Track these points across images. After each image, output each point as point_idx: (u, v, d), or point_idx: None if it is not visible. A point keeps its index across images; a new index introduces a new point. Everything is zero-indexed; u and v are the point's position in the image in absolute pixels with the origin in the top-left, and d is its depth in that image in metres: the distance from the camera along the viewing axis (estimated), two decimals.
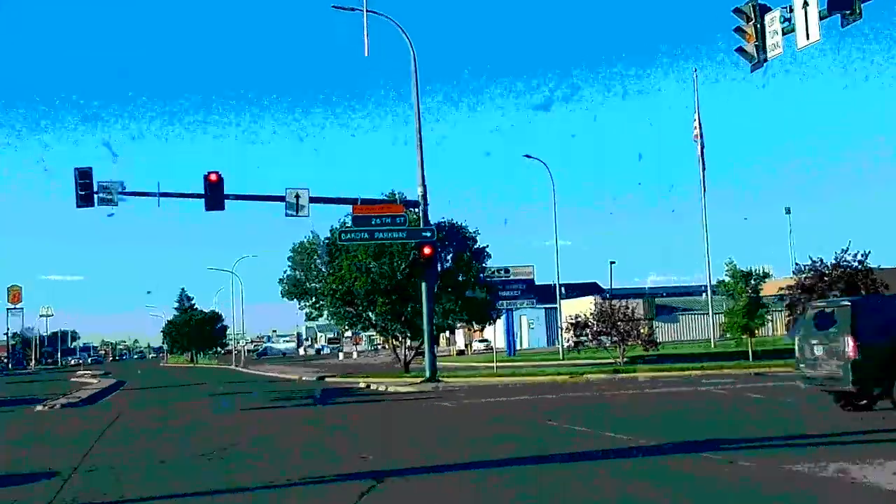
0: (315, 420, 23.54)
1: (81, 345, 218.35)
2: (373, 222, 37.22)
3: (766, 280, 42.67)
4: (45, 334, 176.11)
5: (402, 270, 47.59)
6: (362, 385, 40.70)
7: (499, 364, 45.29)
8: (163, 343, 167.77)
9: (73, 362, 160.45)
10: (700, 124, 66.82)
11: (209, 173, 35.38)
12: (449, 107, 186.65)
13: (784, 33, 22.28)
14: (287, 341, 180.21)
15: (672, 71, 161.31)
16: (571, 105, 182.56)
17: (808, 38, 21.42)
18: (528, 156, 67.64)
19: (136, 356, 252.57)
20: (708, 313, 69.23)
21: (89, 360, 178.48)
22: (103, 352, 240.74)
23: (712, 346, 63.24)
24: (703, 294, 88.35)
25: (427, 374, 37.71)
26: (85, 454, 17.26)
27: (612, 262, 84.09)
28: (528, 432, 17.88)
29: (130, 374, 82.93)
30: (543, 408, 23.23)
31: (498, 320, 53.46)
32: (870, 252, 37.18)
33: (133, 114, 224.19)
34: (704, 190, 67.49)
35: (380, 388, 37.37)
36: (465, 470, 13.03)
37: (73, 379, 68.81)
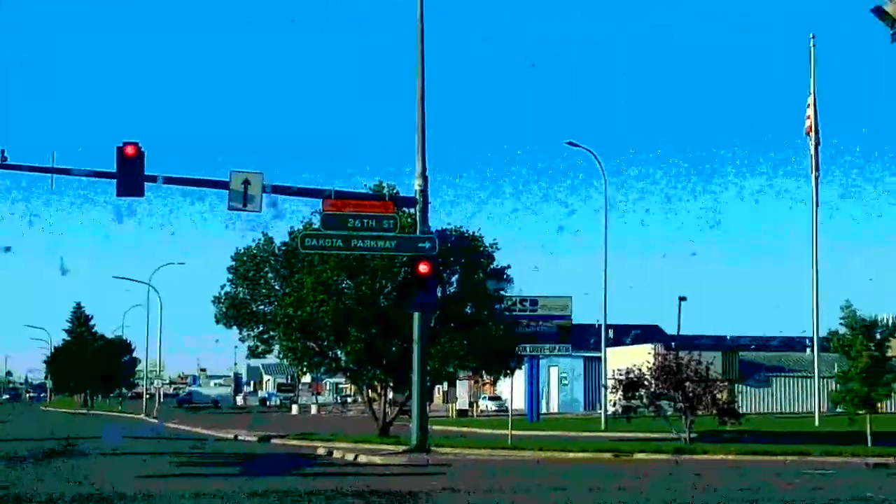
0: (242, 497, 23.47)
1: None
2: (350, 224, 37.12)
3: None
4: None
5: (388, 294, 47.53)
6: (322, 451, 40.62)
7: (515, 433, 45.18)
8: (46, 378, 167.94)
9: None
10: (816, 113, 66.90)
11: (125, 145, 35.39)
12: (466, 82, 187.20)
13: None
14: (221, 385, 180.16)
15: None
16: None
17: None
18: (571, 143, 67.71)
19: (6, 395, 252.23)
20: (812, 376, 69.18)
21: None
22: None
23: (816, 422, 63.16)
24: (807, 350, 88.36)
25: (413, 440, 37.64)
26: None
27: (681, 299, 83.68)
28: None
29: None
30: (576, 501, 23.19)
31: (517, 371, 53.35)
32: None
33: (19, 55, 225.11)
34: (817, 204, 67.56)
35: (346, 458, 37.28)
36: None
37: None
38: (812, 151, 66.77)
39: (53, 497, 23.21)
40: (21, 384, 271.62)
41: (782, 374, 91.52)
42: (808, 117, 66.83)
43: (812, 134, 66.69)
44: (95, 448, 42.36)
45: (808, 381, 74.36)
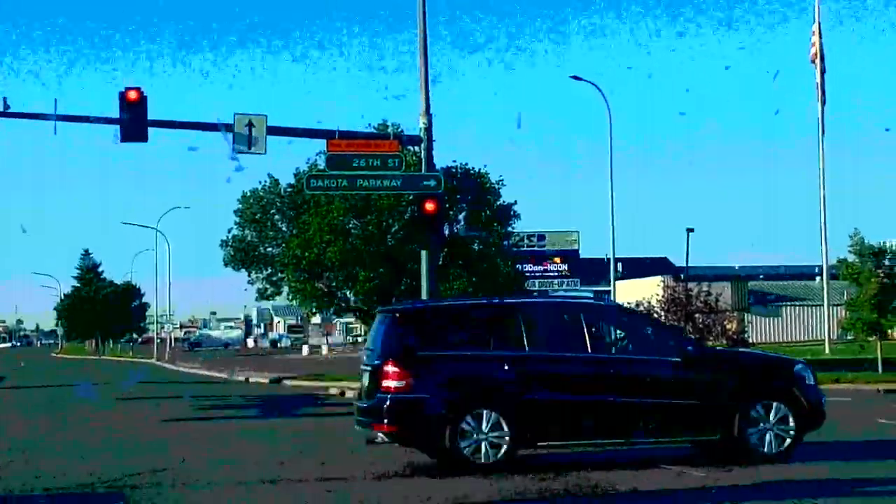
0: (264, 440, 23.57)
1: None
2: (354, 164, 37.05)
3: None
4: None
5: (395, 233, 47.58)
6: (334, 391, 40.80)
7: None
8: (57, 325, 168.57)
9: None
10: (820, 40, 66.50)
11: (128, 90, 35.29)
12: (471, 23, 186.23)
13: None
14: (231, 328, 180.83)
15: None
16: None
17: None
18: (576, 77, 67.37)
19: (18, 342, 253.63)
20: (822, 304, 69.20)
21: None
22: None
23: (826, 349, 63.25)
24: (817, 278, 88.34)
25: None
26: None
27: (689, 230, 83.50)
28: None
29: (9, 366, 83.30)
30: None
31: None
32: None
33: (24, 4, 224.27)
34: (823, 132, 67.30)
35: None
36: None
37: None
38: (818, 79, 66.42)
39: (78, 441, 23.45)
40: (32, 332, 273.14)
41: (792, 303, 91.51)
42: (814, 44, 66.44)
43: (818, 61, 66.31)
44: (111, 394, 42.61)
45: (818, 309, 74.28)
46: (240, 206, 53.05)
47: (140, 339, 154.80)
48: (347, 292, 51.14)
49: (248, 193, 52.92)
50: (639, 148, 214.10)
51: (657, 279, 65.83)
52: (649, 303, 44.27)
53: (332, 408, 33.93)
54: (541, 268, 44.36)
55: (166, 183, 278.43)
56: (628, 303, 46.02)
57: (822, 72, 66.40)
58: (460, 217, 49.12)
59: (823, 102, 66.71)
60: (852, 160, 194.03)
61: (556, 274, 44.49)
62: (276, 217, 53.18)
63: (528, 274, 44.60)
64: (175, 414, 31.02)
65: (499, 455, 16.57)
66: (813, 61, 66.68)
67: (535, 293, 48.19)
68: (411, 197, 41.28)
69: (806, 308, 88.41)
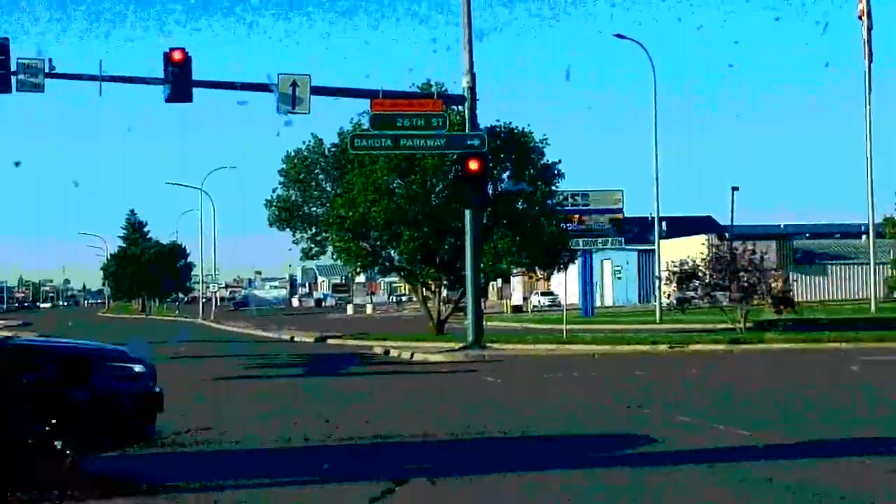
0: (311, 396, 23.73)
1: None
2: (398, 124, 37.13)
3: None
4: None
5: (439, 193, 47.55)
6: (378, 350, 41.00)
7: (570, 327, 45.32)
8: (103, 284, 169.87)
9: None
10: None
11: (172, 50, 35.44)
12: None
13: None
14: (276, 287, 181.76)
15: None
16: None
17: None
18: (620, 35, 67.10)
19: (66, 302, 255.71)
20: (868, 263, 68.81)
21: (3, 305, 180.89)
22: (21, 294, 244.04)
23: (873, 309, 62.98)
24: (863, 236, 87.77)
25: (469, 337, 37.86)
26: None
27: (734, 188, 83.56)
28: (606, 422, 17.96)
29: (58, 326, 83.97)
30: (632, 389, 23.33)
31: (570, 266, 53.42)
32: None
33: None
34: (870, 89, 66.72)
35: (403, 356, 37.63)
36: (511, 472, 13.17)
37: None
38: (865, 36, 65.82)
39: None
40: (79, 291, 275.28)
41: (838, 261, 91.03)
42: (861, 0, 65.82)
43: (864, 18, 65.72)
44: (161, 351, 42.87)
45: (864, 267, 73.87)
46: (284, 166, 53.11)
47: (186, 299, 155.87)
48: (391, 252, 51.19)
49: (293, 153, 52.95)
50: (684, 104, 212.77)
51: (702, 238, 65.60)
52: (694, 261, 44.16)
53: (376, 366, 34.12)
54: (585, 227, 44.17)
55: (211, 143, 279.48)
56: (672, 261, 45.94)
57: (869, 28, 65.85)
58: (504, 176, 49.01)
59: (870, 59, 66.16)
60: None
61: (600, 233, 44.30)
62: (321, 177, 53.20)
63: (571, 233, 44.42)
64: (224, 372, 31.23)
65: None
66: (860, 17, 66.12)
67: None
68: (455, 156, 41.28)
69: (852, 266, 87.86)
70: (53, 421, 12.21)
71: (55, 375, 12.69)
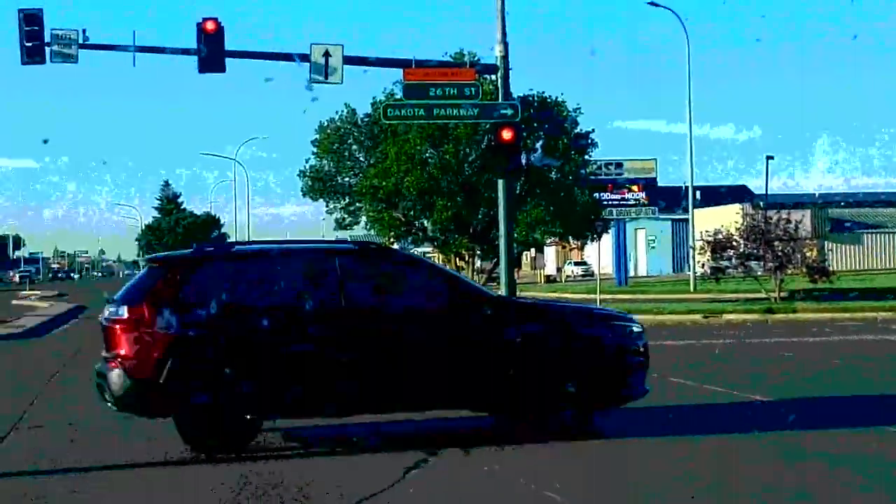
0: None
1: (27, 254, 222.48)
2: (431, 93, 37.02)
3: None
4: None
5: (472, 163, 47.49)
6: None
7: (604, 297, 45.26)
8: (138, 255, 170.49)
9: (15, 278, 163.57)
10: None
11: (205, 20, 35.43)
12: None
13: None
14: None
15: None
16: None
17: None
18: (653, 3, 66.73)
19: (101, 273, 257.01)
20: None
21: (39, 276, 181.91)
22: (56, 265, 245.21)
23: None
24: None
25: None
26: (29, 405, 17.68)
27: (769, 158, 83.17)
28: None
29: (94, 296, 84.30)
30: (665, 358, 23.26)
31: (604, 235, 53.35)
32: None
33: None
34: None
35: None
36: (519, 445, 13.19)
37: (15, 301, 70.25)
38: None
39: None
40: (115, 262, 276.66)
41: (873, 230, 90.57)
42: None
43: None
44: None
45: None
46: (317, 136, 53.18)
47: None
48: (425, 221, 51.18)
49: (326, 123, 53.00)
50: (716, 73, 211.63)
51: (736, 207, 65.42)
52: (728, 231, 44.03)
53: None
54: (618, 196, 44.08)
55: (245, 113, 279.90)
56: (706, 231, 45.80)
57: None
58: (537, 146, 48.87)
59: None
60: None
61: (633, 202, 44.21)
62: (354, 147, 53.26)
63: (605, 202, 44.34)
64: None
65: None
66: None
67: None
68: (488, 126, 41.18)
69: (887, 235, 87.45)
70: (566, 373, 13.50)
71: (563, 332, 13.94)
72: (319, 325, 13.42)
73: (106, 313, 13.59)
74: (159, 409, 13.22)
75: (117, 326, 13.24)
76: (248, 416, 13.24)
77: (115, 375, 13.05)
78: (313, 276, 13.90)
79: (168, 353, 12.88)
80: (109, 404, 13.45)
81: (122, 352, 13.10)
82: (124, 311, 13.23)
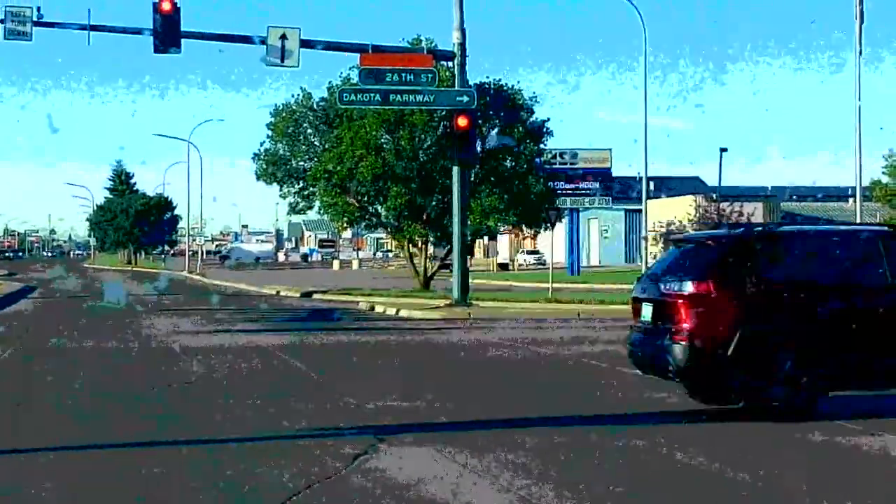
0: (293, 353, 23.75)
1: None
2: (388, 79, 36.94)
3: None
4: None
5: (427, 149, 47.50)
6: (363, 306, 41.00)
7: (556, 286, 45.32)
8: (89, 235, 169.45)
9: None
10: None
11: (161, 0, 35.22)
12: None
13: None
14: (262, 241, 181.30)
15: None
16: None
17: None
18: None
19: (51, 253, 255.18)
20: None
21: None
22: (6, 244, 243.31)
23: None
24: (850, 200, 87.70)
25: (455, 295, 37.88)
26: None
27: (722, 150, 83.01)
28: (586, 383, 18.01)
29: (43, 276, 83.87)
30: (617, 347, 23.33)
31: (557, 224, 53.41)
32: None
33: None
34: (860, 51, 66.48)
35: (388, 312, 37.61)
36: (494, 429, 13.37)
37: None
38: None
39: (120, 348, 23.64)
40: (65, 242, 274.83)
41: (824, 224, 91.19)
42: None
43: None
44: (144, 305, 43.01)
45: None
46: (272, 119, 53.00)
47: (172, 252, 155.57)
48: (379, 207, 51.17)
49: (281, 107, 52.85)
50: (673, 64, 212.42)
51: (689, 198, 65.65)
52: (680, 222, 44.21)
53: (361, 322, 34.09)
54: (573, 185, 44.13)
55: (199, 96, 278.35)
56: (659, 222, 46.02)
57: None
58: (493, 133, 48.92)
59: (861, 20, 65.92)
60: (888, 81, 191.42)
61: (588, 192, 44.27)
62: (309, 131, 53.13)
63: (559, 192, 44.39)
64: (201, 327, 31.22)
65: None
66: None
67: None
68: (444, 112, 41.20)
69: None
70: None
71: None
72: (872, 300, 14.30)
73: (662, 288, 14.39)
74: (725, 380, 13.85)
75: (680, 301, 13.92)
76: (817, 389, 13.87)
77: (680, 349, 13.70)
78: (862, 254, 14.71)
79: (735, 327, 13.53)
80: (671, 375, 14.21)
81: (687, 325, 13.74)
82: (689, 287, 13.90)
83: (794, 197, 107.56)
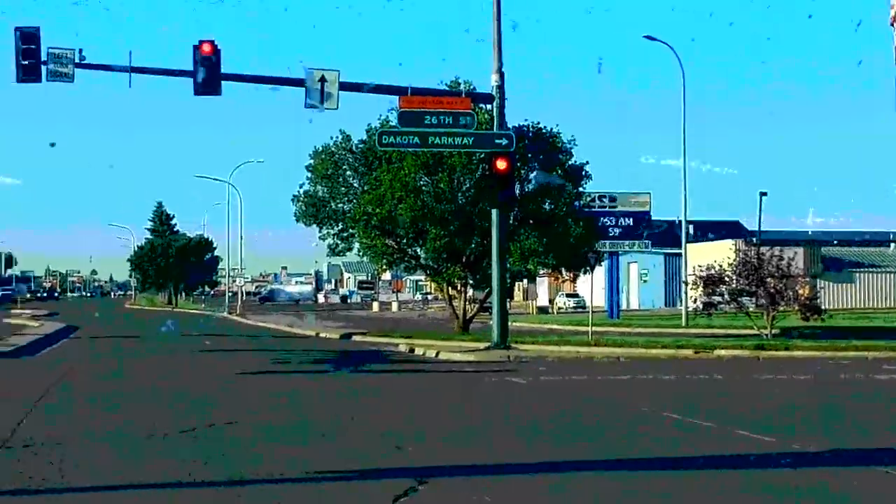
0: (334, 394, 23.77)
1: (18, 273, 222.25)
2: (427, 121, 37.10)
3: None
4: None
5: (466, 191, 47.48)
6: (403, 348, 40.96)
7: (596, 329, 45.23)
8: (130, 276, 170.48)
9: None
10: None
11: (202, 42, 35.49)
12: None
13: None
14: (302, 283, 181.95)
15: None
16: None
17: None
18: (649, 37, 66.92)
19: (92, 293, 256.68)
20: None
21: (28, 294, 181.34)
22: (48, 284, 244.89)
23: None
24: (892, 244, 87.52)
25: (495, 337, 37.81)
26: (18, 423, 17.60)
27: (762, 194, 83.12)
28: (631, 426, 17.90)
29: (86, 316, 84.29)
30: (657, 394, 23.26)
31: (597, 268, 53.33)
32: None
33: None
34: None
35: (427, 354, 37.57)
36: (536, 474, 13.16)
37: (6, 320, 70.18)
38: None
39: (161, 389, 23.71)
40: (106, 282, 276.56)
41: (866, 269, 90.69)
42: (893, 6, 65.49)
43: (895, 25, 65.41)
44: (187, 345, 43.17)
45: (893, 276, 73.64)
46: (311, 161, 53.20)
47: (212, 292, 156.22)
48: (418, 249, 51.18)
49: (320, 149, 53.03)
50: (714, 105, 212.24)
51: (729, 242, 65.53)
52: (721, 266, 44.00)
53: (400, 364, 34.09)
54: (612, 229, 44.12)
55: (240, 136, 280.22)
56: (699, 266, 45.84)
57: None
58: (531, 176, 48.90)
59: None
60: None
61: (627, 235, 44.23)
62: (348, 173, 53.25)
63: (598, 235, 44.35)
64: (248, 367, 31.29)
65: None
66: (892, 24, 65.77)
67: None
68: (483, 155, 41.24)
69: (880, 275, 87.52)
70: None
71: None
72: None
73: None
74: None
75: None
76: None
77: None
78: None
79: None
80: None
81: None
82: None
83: (836, 242, 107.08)
